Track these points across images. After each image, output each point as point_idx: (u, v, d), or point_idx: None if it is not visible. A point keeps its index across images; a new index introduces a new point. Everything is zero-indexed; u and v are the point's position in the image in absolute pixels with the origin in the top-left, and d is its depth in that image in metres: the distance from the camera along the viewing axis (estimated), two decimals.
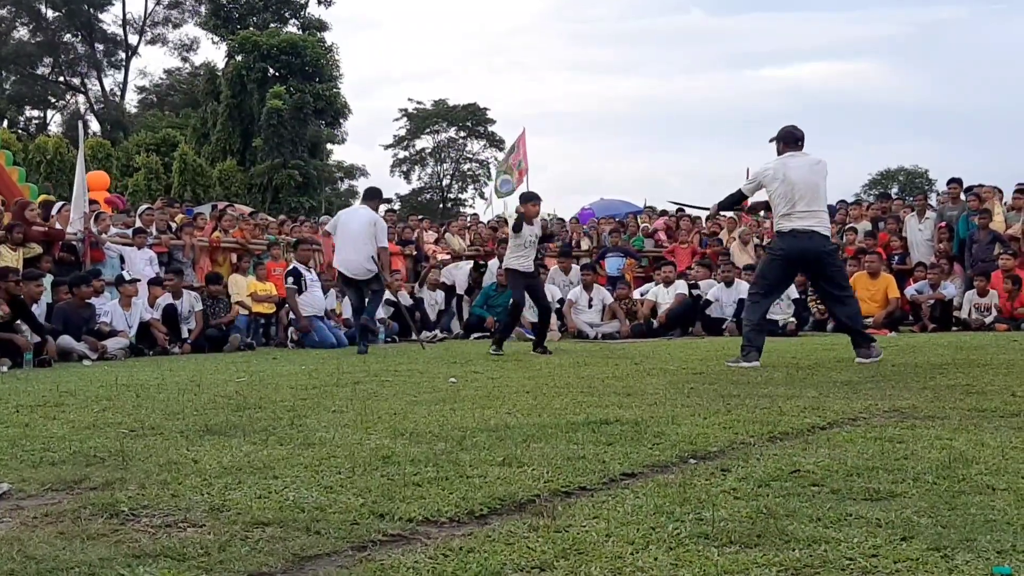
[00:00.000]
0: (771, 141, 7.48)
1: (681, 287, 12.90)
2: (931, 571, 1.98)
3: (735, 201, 7.79)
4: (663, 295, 12.95)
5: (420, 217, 18.56)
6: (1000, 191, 13.89)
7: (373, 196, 11.19)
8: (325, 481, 2.94)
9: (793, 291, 12.17)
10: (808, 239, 7.06)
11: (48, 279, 10.33)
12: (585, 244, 15.83)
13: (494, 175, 17.17)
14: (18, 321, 9.09)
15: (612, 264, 14.63)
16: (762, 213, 11.08)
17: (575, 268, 14.29)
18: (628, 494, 2.70)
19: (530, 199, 9.63)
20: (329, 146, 39.91)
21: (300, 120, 34.51)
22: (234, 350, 11.06)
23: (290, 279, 11.69)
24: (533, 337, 12.27)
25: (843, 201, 16.84)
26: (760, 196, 7.56)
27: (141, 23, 50.13)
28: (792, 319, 12.02)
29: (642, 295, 13.38)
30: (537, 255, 14.96)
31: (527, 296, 9.65)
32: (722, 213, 14.92)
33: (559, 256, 15.24)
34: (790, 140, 7.30)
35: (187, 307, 11.42)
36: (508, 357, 8.71)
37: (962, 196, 13.88)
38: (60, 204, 12.99)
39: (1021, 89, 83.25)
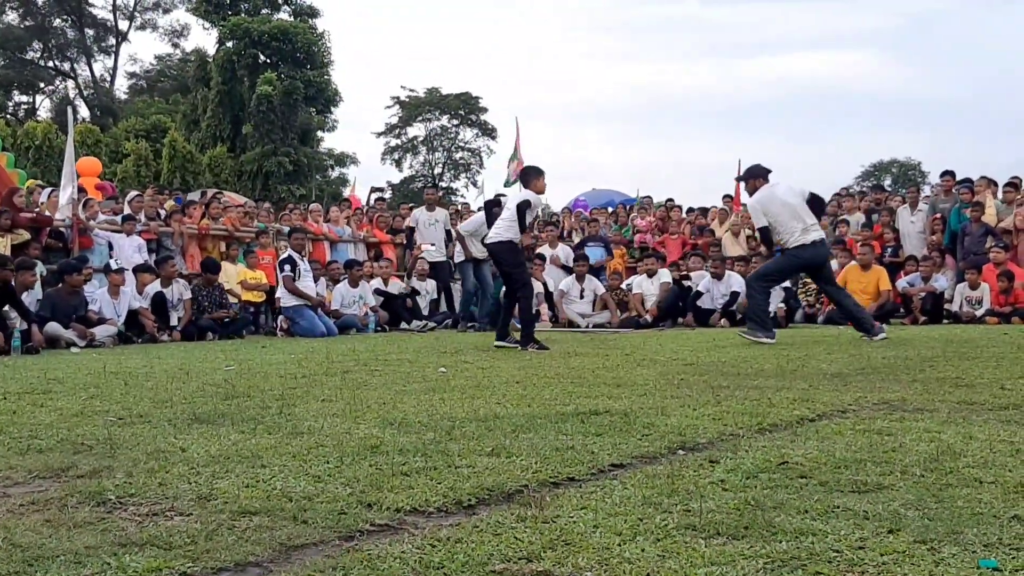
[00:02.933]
0: (739, 180, 8.78)
1: (665, 276, 12.91)
2: (917, 564, 1.98)
3: (770, 238, 8.65)
4: (647, 286, 12.95)
5: (411, 205, 18.50)
6: (995, 183, 13.90)
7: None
8: (313, 470, 2.93)
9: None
10: (823, 245, 8.57)
11: (39, 267, 10.30)
12: (576, 237, 15.82)
13: (507, 172, 17.28)
14: (5, 308, 9.05)
15: (591, 254, 14.62)
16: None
17: (562, 245, 14.41)
18: (616, 485, 2.70)
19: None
20: (320, 134, 39.77)
21: (290, 107, 34.35)
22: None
23: (286, 267, 11.70)
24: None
25: (837, 194, 16.80)
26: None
27: (131, 8, 49.85)
28: (781, 304, 12.08)
29: (627, 286, 13.37)
30: (533, 243, 14.86)
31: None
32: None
33: (546, 227, 15.40)
34: (763, 174, 8.60)
35: (176, 295, 11.39)
36: (493, 349, 8.69)
37: (954, 189, 13.90)
38: (49, 190, 12.92)
39: (1014, 81, 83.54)
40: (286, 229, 14.04)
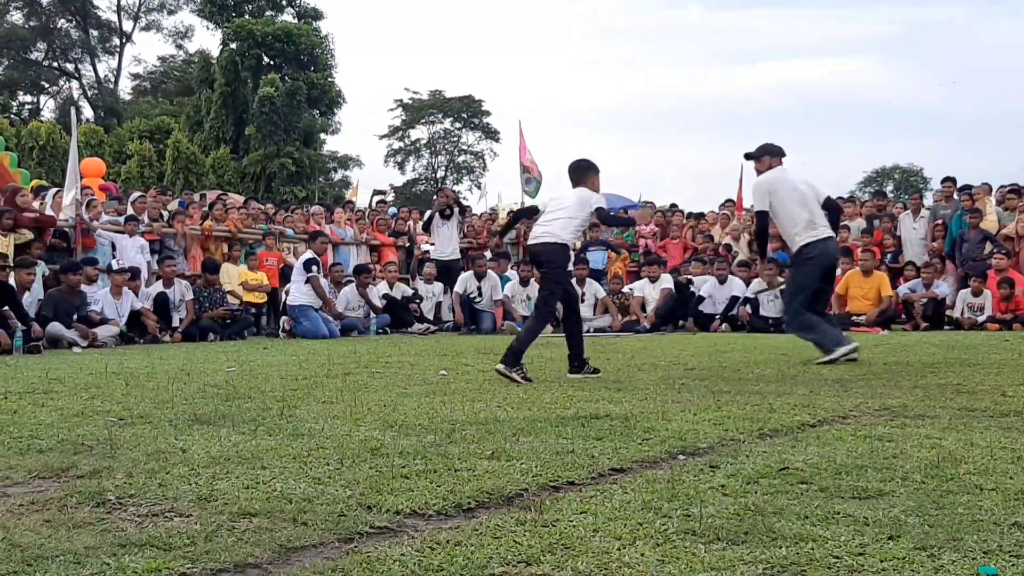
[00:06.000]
0: (749, 158, 7.53)
1: (667, 282, 12.90)
2: (917, 570, 1.98)
3: (766, 228, 7.58)
4: (649, 291, 12.94)
5: (410, 208, 18.55)
6: (1005, 187, 13.91)
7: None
8: (313, 472, 2.93)
9: None
10: (832, 242, 7.40)
11: (41, 267, 10.30)
12: (578, 241, 15.82)
13: (523, 181, 17.35)
14: (5, 308, 9.04)
15: (594, 258, 14.59)
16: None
17: None
18: (616, 489, 2.70)
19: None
20: (323, 136, 39.83)
21: (293, 108, 34.40)
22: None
23: (313, 267, 11.76)
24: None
25: (840, 197, 16.77)
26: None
27: (136, 9, 49.92)
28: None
29: (629, 290, 13.36)
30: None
31: None
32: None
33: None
34: (779, 153, 7.35)
35: (178, 296, 11.40)
36: (495, 352, 8.66)
37: (955, 195, 13.90)
38: (53, 190, 12.93)
39: (1016, 88, 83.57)
40: (288, 231, 14.07)
